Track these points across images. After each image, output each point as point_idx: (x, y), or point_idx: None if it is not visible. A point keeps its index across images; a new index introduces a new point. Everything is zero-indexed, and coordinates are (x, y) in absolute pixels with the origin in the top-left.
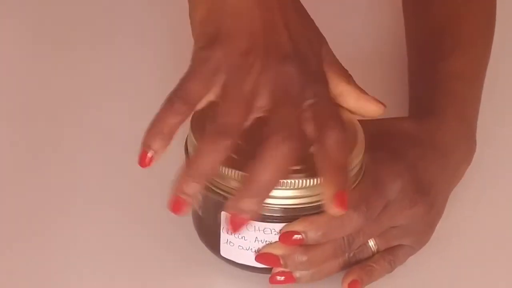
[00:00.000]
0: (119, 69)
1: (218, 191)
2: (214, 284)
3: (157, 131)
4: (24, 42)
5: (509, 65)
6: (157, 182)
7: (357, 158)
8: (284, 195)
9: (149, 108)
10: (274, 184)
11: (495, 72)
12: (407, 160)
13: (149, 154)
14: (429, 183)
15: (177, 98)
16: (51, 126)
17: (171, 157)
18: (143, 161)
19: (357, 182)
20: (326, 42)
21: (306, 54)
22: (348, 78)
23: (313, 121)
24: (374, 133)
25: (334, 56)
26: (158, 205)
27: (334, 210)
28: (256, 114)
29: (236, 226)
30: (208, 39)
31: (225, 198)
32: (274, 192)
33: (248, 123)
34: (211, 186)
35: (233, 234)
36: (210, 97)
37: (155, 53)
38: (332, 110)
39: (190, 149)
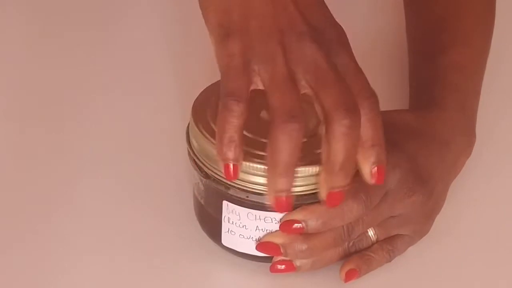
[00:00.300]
0: (120, 68)
1: (220, 180)
2: (215, 273)
3: (229, 140)
4: (24, 41)
5: (509, 59)
6: (158, 175)
7: None
8: None
9: (150, 107)
10: (355, 153)
11: (495, 66)
12: (406, 151)
13: (231, 166)
14: (428, 173)
15: (231, 100)
16: (51, 125)
17: (170, 151)
18: (229, 175)
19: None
20: None
21: (322, 25)
22: None
23: None
24: None
25: None
26: (159, 196)
27: (372, 182)
28: (302, 91)
29: (281, 207)
30: (223, 32)
31: (227, 187)
32: None
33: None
34: (213, 175)
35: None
36: (253, 86)
37: (157, 52)
38: (362, 81)
39: (192, 139)
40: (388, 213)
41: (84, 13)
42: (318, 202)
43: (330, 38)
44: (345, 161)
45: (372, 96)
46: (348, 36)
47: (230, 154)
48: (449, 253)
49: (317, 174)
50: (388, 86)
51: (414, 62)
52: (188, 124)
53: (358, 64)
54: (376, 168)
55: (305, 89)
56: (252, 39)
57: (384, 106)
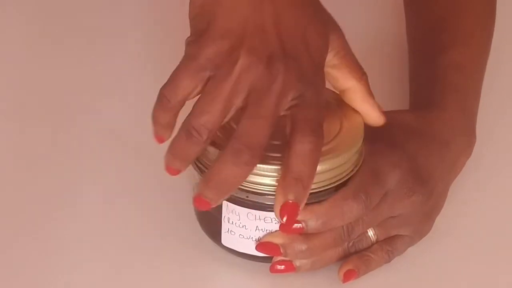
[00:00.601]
0: (120, 68)
1: None
2: (215, 273)
3: (156, 121)
4: (24, 41)
5: (509, 59)
6: (158, 175)
7: (355, 147)
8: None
9: (151, 107)
10: (236, 182)
11: (495, 66)
12: (406, 151)
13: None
14: (428, 173)
15: (166, 94)
16: (51, 125)
17: None
18: (157, 138)
19: (355, 170)
20: (341, 35)
21: (297, 54)
22: (360, 75)
23: (290, 123)
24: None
25: (349, 49)
26: (159, 196)
27: (279, 219)
28: (232, 112)
29: (200, 206)
30: (198, 35)
31: None
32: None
33: (226, 119)
34: None
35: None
36: (199, 90)
37: (157, 52)
38: (312, 116)
39: None
40: (388, 213)
41: (84, 13)
42: (318, 202)
43: (303, 69)
44: (219, 183)
45: (313, 134)
46: (348, 36)
47: (158, 129)
48: (449, 253)
49: (316, 175)
50: (388, 86)
51: (414, 62)
52: None
53: (321, 100)
54: (289, 205)
55: (239, 103)
56: (218, 49)
57: (384, 106)
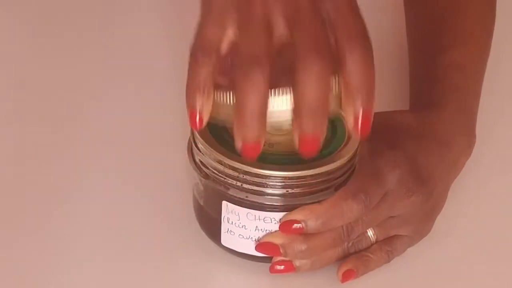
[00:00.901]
0: (120, 68)
1: (220, 180)
2: (215, 273)
3: (194, 88)
4: (24, 41)
5: (509, 59)
6: (158, 175)
7: (352, 148)
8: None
9: (150, 107)
10: (325, 96)
11: (495, 66)
12: (406, 151)
13: (198, 114)
14: (428, 173)
15: (198, 50)
16: (51, 126)
17: (170, 151)
18: (193, 123)
19: (352, 171)
20: None
21: None
22: None
23: (334, 37)
24: (373, 125)
25: None
26: (158, 196)
27: (357, 135)
28: (278, 42)
29: (250, 154)
30: None
31: (227, 187)
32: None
33: (273, 51)
34: (213, 176)
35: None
36: (230, 37)
37: (157, 51)
38: (352, 27)
39: (197, 141)
40: (388, 213)
41: (85, 13)
42: (318, 202)
43: None
44: (313, 107)
45: (363, 41)
46: None
47: (195, 102)
48: (449, 253)
49: None
50: (388, 86)
51: (414, 62)
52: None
53: (356, 9)
54: (361, 114)
55: (281, 40)
56: None
57: (384, 106)
